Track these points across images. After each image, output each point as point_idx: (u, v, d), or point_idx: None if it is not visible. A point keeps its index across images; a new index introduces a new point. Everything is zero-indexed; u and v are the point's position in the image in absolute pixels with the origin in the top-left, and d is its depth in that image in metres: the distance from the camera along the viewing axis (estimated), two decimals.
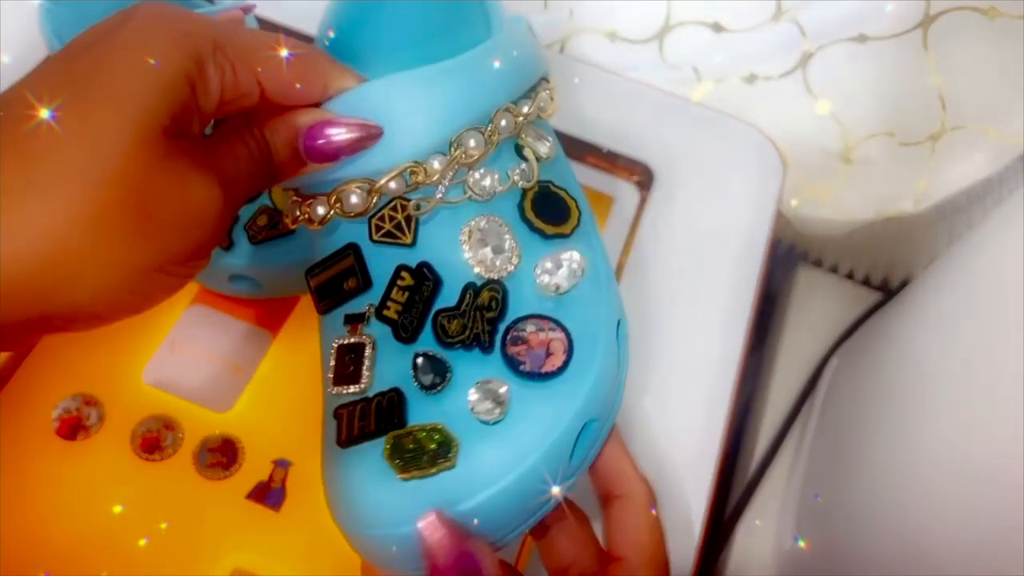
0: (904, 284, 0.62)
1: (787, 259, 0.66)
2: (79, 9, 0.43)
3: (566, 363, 0.27)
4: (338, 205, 0.27)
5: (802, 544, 0.39)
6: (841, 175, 0.55)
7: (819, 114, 0.53)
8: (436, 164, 0.27)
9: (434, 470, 0.25)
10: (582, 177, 0.46)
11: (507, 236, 0.28)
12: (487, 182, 0.28)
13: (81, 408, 0.40)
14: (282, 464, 0.40)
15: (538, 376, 0.27)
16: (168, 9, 0.24)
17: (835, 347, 0.59)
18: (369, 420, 0.26)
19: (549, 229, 0.29)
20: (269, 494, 0.39)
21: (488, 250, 0.28)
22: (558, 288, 0.28)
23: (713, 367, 0.41)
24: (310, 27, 0.37)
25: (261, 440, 0.40)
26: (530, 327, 0.27)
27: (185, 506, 0.39)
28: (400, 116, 0.27)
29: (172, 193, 0.22)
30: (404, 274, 0.27)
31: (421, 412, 0.26)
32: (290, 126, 0.26)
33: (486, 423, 0.26)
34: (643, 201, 0.45)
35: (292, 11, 0.47)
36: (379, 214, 0.27)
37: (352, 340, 0.27)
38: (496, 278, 0.28)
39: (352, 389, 0.27)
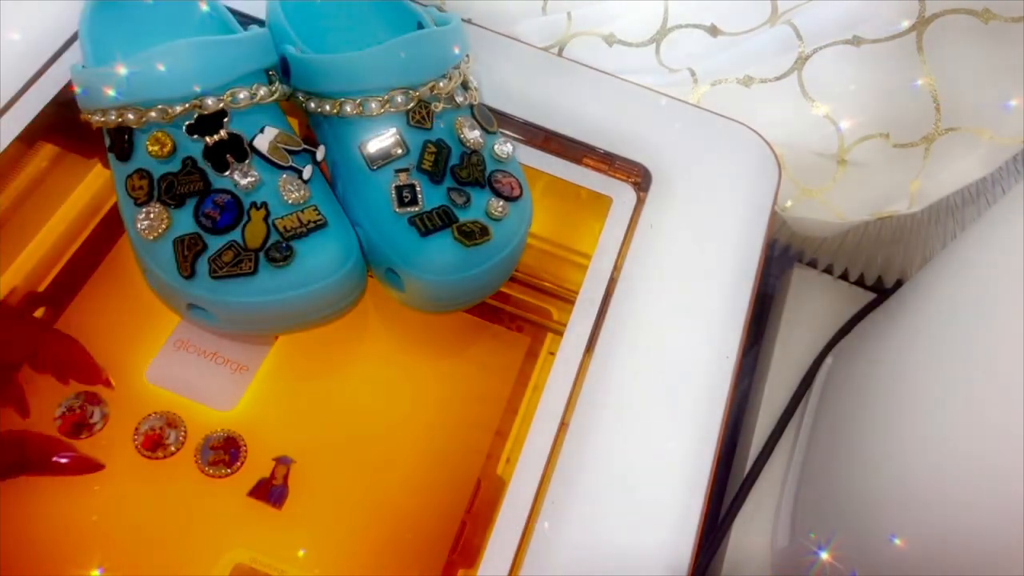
0: (898, 284, 0.62)
1: (782, 259, 0.66)
2: (119, 14, 0.43)
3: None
4: (388, 105, 0.40)
5: None
6: (836, 176, 0.55)
7: (814, 116, 0.53)
8: (442, 85, 0.41)
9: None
10: (580, 178, 0.47)
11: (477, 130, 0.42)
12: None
13: (84, 406, 0.40)
14: (284, 461, 0.40)
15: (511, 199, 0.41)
16: None
17: (830, 347, 0.60)
18: (434, 219, 0.39)
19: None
20: (271, 491, 0.40)
21: (477, 133, 0.41)
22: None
23: (709, 366, 0.41)
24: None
25: (263, 438, 0.41)
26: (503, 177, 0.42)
27: (187, 503, 0.39)
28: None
29: None
30: (430, 146, 0.40)
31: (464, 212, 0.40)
32: None
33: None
34: (640, 202, 0.46)
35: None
36: (412, 110, 0.40)
37: (406, 183, 0.39)
38: (475, 149, 0.41)
39: (413, 209, 0.39)
